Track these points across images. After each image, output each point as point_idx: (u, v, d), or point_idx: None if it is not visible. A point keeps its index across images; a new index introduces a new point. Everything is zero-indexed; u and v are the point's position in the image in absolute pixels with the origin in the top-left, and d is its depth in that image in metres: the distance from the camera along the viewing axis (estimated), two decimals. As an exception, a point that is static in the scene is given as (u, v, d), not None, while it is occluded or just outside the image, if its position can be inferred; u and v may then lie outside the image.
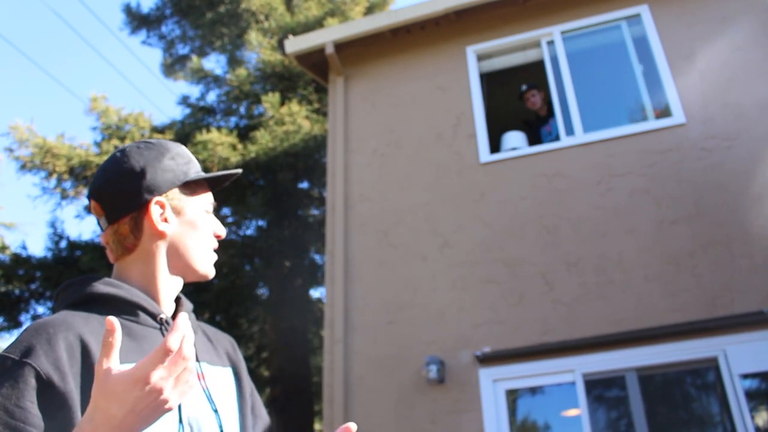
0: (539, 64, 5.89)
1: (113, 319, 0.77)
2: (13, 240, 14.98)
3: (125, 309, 1.02)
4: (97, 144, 8.98)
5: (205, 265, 1.13)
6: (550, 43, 5.73)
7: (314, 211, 10.20)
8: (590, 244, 4.74)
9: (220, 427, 1.05)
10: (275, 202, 9.15)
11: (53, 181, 8.73)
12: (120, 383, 0.76)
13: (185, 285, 1.36)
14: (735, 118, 4.87)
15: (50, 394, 0.86)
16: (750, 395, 4.01)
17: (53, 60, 43.75)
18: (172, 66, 13.12)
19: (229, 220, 9.46)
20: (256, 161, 8.44)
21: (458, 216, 5.17)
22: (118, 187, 1.06)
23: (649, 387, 4.26)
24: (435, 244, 5.12)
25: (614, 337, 4.35)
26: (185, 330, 0.79)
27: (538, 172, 5.17)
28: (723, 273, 4.38)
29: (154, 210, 1.06)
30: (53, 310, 1.04)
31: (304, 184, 9.91)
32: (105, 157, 8.22)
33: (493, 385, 4.51)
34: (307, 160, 8.96)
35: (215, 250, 1.17)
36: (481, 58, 5.94)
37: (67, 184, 8.84)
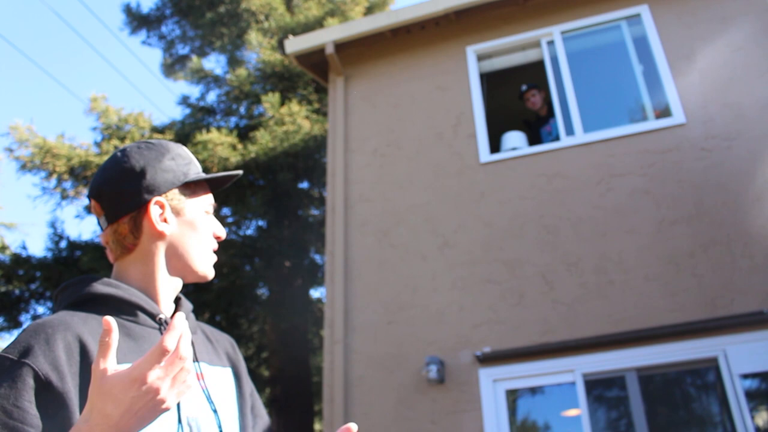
0: (539, 64, 5.89)
1: (110, 319, 0.77)
2: (13, 240, 15.00)
3: (124, 309, 1.02)
4: (97, 144, 8.98)
5: (204, 266, 1.13)
6: (550, 43, 5.73)
7: (314, 211, 10.20)
8: (590, 244, 4.74)
9: (219, 427, 1.05)
10: (275, 202, 9.15)
11: (53, 181, 8.73)
12: (116, 383, 0.76)
13: (185, 285, 1.36)
14: (735, 118, 4.87)
15: (48, 394, 0.86)
16: (750, 395, 4.01)
17: (53, 60, 43.76)
18: (172, 66, 13.12)
19: (229, 220, 9.46)
20: (256, 161, 8.44)
21: (458, 216, 5.17)
22: (118, 186, 1.06)
23: (649, 387, 4.26)
24: (435, 244, 5.12)
25: (614, 337, 4.35)
26: (182, 329, 0.79)
27: (538, 172, 5.17)
28: (723, 273, 4.38)
29: (154, 210, 1.06)
30: (53, 311, 1.04)
31: (304, 184, 9.91)
32: (105, 158, 8.21)
33: (493, 385, 4.51)
34: (307, 160, 8.96)
35: (215, 251, 1.17)
36: (481, 58, 5.94)
37: (67, 184, 8.83)
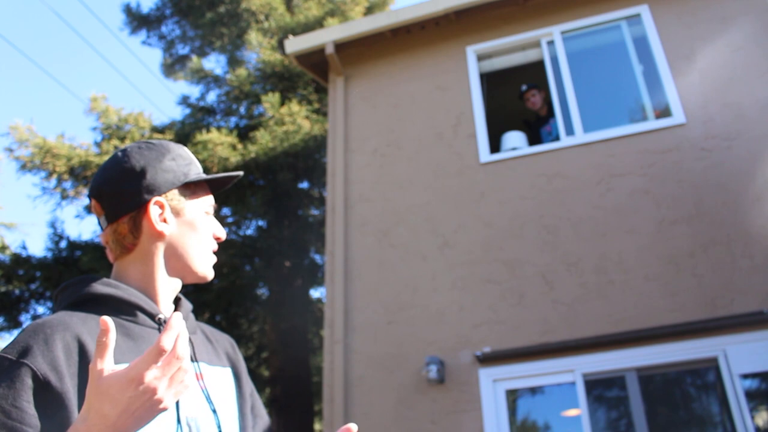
0: (539, 64, 5.89)
1: (107, 319, 0.77)
2: (13, 240, 15.00)
3: (123, 309, 1.02)
4: (97, 144, 8.98)
5: (204, 267, 1.13)
6: (550, 43, 5.72)
7: (314, 211, 10.20)
8: (590, 244, 4.74)
9: (219, 427, 1.05)
10: (275, 202, 9.15)
11: (53, 181, 8.73)
12: (114, 383, 0.76)
13: (185, 285, 1.36)
14: (735, 118, 4.87)
15: (47, 394, 0.86)
16: (750, 395, 4.01)
17: (53, 60, 43.77)
18: (172, 66, 13.12)
19: (229, 220, 9.47)
20: (256, 161, 8.44)
21: (458, 216, 5.17)
22: (118, 186, 1.06)
23: (649, 387, 4.26)
24: (435, 244, 5.12)
25: (614, 337, 4.34)
26: (179, 329, 0.79)
27: (538, 172, 5.17)
28: (723, 273, 4.38)
29: (153, 210, 1.06)
30: (53, 311, 1.04)
31: (304, 184, 9.91)
32: (105, 157, 8.22)
33: (493, 385, 4.51)
34: (307, 160, 8.96)
35: (215, 252, 1.17)
36: (481, 58, 5.94)
37: (67, 184, 8.83)
